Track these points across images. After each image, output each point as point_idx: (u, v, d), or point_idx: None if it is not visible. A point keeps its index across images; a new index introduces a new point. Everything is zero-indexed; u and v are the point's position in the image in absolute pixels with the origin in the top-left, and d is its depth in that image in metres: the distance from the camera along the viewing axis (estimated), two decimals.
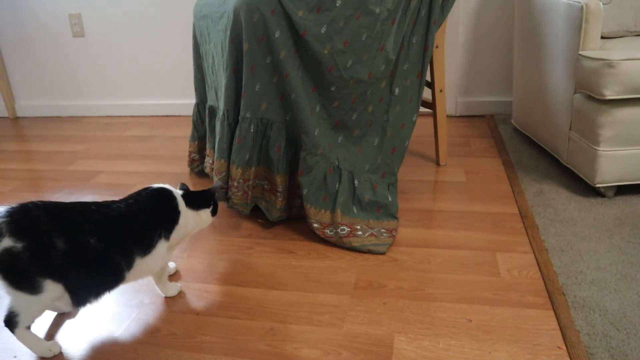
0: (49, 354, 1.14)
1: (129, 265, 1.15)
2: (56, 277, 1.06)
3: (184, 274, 1.42)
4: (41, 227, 1.04)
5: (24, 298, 1.06)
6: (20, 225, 1.03)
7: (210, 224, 1.40)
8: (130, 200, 1.19)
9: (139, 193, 1.22)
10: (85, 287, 1.11)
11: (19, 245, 1.02)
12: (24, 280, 1.04)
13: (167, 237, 1.21)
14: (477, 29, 2.54)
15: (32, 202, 1.07)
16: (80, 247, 1.07)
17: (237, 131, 1.51)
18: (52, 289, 1.06)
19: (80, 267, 1.08)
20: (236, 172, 1.53)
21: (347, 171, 1.57)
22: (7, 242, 1.01)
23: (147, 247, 1.17)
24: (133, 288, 1.37)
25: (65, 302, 1.11)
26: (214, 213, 1.35)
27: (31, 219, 1.05)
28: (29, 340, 1.13)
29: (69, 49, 3.01)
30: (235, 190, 1.54)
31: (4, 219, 1.02)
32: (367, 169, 1.62)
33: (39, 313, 1.11)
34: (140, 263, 1.16)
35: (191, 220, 1.28)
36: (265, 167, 1.55)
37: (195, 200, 1.30)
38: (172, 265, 1.43)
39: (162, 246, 1.20)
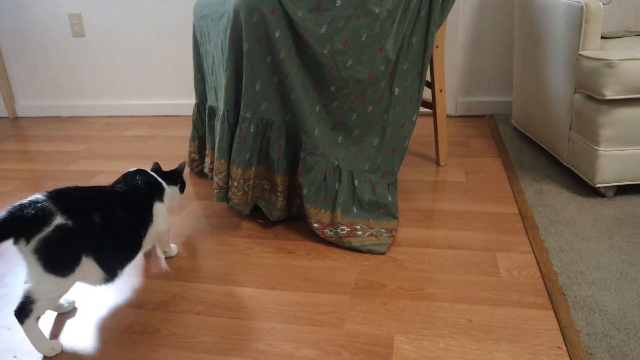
0: (52, 353, 1.14)
1: (145, 232, 1.32)
2: (90, 252, 1.15)
3: (184, 273, 1.43)
4: (83, 205, 1.14)
5: (51, 281, 1.09)
6: (68, 204, 1.11)
7: (179, 201, 1.70)
8: (124, 181, 1.37)
9: (125, 176, 1.39)
10: (115, 258, 1.22)
11: (70, 222, 1.09)
12: (66, 258, 1.10)
13: (161, 200, 1.40)
14: (477, 29, 2.54)
15: (66, 187, 1.17)
16: (112, 220, 1.20)
17: (237, 131, 1.51)
18: (83, 267, 1.14)
19: (113, 238, 1.20)
20: (236, 172, 1.53)
21: (347, 171, 1.57)
22: (59, 220, 1.08)
23: (152, 215, 1.35)
24: (132, 288, 1.37)
25: (96, 277, 1.19)
26: (181, 191, 1.56)
27: (73, 198, 1.14)
28: (35, 336, 1.13)
29: (69, 49, 3.01)
30: (236, 190, 1.54)
31: (50, 200, 1.09)
32: (367, 168, 1.62)
33: (56, 300, 1.16)
34: (151, 230, 1.34)
35: (169, 191, 1.47)
36: (265, 167, 1.55)
37: (166, 176, 1.49)
38: (174, 247, 1.53)
39: (160, 207, 1.38)
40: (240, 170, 1.52)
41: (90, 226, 1.14)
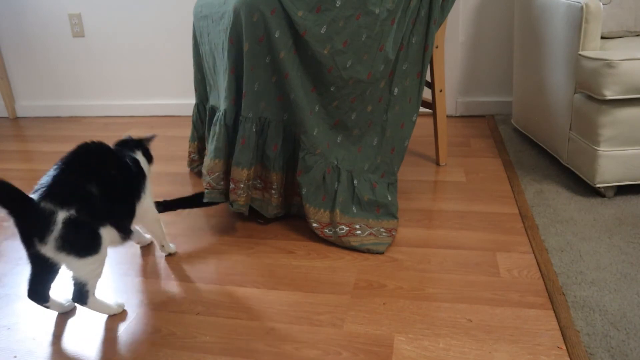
0: (120, 310, 1.27)
1: (139, 198, 1.33)
2: (104, 221, 1.18)
3: (184, 274, 1.42)
4: (76, 187, 1.14)
5: (88, 262, 1.16)
6: (63, 195, 1.11)
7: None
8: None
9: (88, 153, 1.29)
10: (123, 216, 1.26)
11: (73, 211, 1.10)
12: (88, 241, 1.15)
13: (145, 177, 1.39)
14: (477, 29, 2.54)
15: (54, 173, 1.14)
16: (107, 185, 1.20)
17: (240, 132, 1.50)
18: (106, 236, 1.19)
19: (113, 200, 1.22)
20: (241, 173, 1.51)
21: (346, 171, 1.57)
22: (62, 214, 1.09)
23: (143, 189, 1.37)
24: (133, 288, 1.37)
25: (116, 239, 1.25)
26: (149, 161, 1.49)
27: (63, 185, 1.13)
28: (101, 306, 1.24)
29: (69, 49, 3.01)
30: (241, 192, 1.53)
31: (45, 199, 1.09)
32: (366, 168, 1.62)
33: (100, 273, 1.21)
34: (143, 201, 1.35)
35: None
36: (260, 165, 1.55)
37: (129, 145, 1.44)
38: (172, 246, 1.53)
39: (147, 186, 1.39)
40: (245, 171, 1.51)
41: (92, 203, 1.15)
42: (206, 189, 1.57)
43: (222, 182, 1.56)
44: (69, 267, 1.15)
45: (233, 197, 1.54)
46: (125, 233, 1.27)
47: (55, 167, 1.17)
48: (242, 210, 1.57)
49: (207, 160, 1.57)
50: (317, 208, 1.53)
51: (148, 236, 1.56)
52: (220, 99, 1.62)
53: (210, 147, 1.57)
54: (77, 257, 1.14)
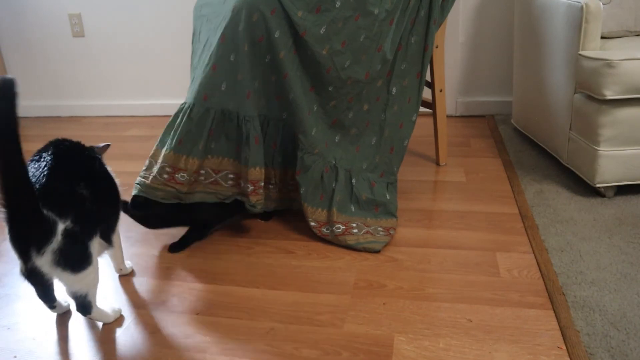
0: (117, 316, 1.25)
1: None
2: (94, 233, 1.14)
3: (184, 274, 1.43)
4: (70, 192, 1.08)
5: (85, 274, 1.12)
6: (54, 203, 1.04)
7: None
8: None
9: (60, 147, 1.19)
10: (109, 223, 1.23)
11: (68, 222, 1.05)
12: (83, 252, 1.11)
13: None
14: (477, 29, 2.54)
15: (45, 180, 1.06)
16: (95, 191, 1.14)
17: (252, 132, 1.47)
18: (96, 245, 1.15)
19: (100, 206, 1.17)
20: (260, 173, 1.48)
21: (344, 170, 1.57)
22: (61, 225, 1.05)
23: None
24: (133, 288, 1.37)
25: (101, 248, 1.22)
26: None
27: (53, 192, 1.05)
28: (102, 315, 1.22)
29: (69, 49, 3.01)
30: (262, 191, 1.50)
31: (45, 207, 1.02)
32: (365, 167, 1.62)
33: (98, 279, 1.19)
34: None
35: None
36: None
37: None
38: (128, 264, 1.46)
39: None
40: (263, 170, 1.49)
41: (85, 211, 1.10)
42: (142, 178, 1.47)
43: (165, 176, 1.46)
44: (65, 281, 1.12)
45: (256, 198, 1.50)
46: (108, 242, 1.23)
47: (44, 170, 1.08)
48: (257, 211, 1.54)
49: (157, 149, 1.48)
50: (315, 207, 1.53)
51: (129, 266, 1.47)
52: (190, 91, 1.53)
53: (165, 137, 1.48)
54: (72, 272, 1.10)
